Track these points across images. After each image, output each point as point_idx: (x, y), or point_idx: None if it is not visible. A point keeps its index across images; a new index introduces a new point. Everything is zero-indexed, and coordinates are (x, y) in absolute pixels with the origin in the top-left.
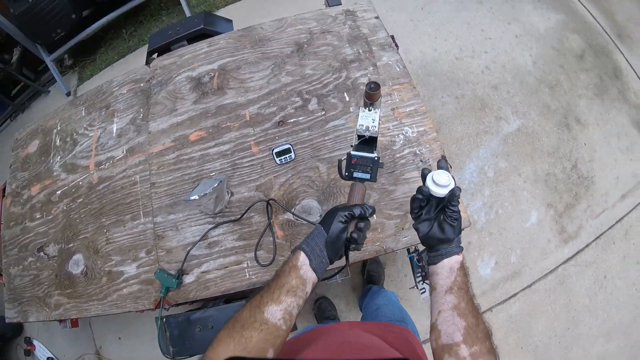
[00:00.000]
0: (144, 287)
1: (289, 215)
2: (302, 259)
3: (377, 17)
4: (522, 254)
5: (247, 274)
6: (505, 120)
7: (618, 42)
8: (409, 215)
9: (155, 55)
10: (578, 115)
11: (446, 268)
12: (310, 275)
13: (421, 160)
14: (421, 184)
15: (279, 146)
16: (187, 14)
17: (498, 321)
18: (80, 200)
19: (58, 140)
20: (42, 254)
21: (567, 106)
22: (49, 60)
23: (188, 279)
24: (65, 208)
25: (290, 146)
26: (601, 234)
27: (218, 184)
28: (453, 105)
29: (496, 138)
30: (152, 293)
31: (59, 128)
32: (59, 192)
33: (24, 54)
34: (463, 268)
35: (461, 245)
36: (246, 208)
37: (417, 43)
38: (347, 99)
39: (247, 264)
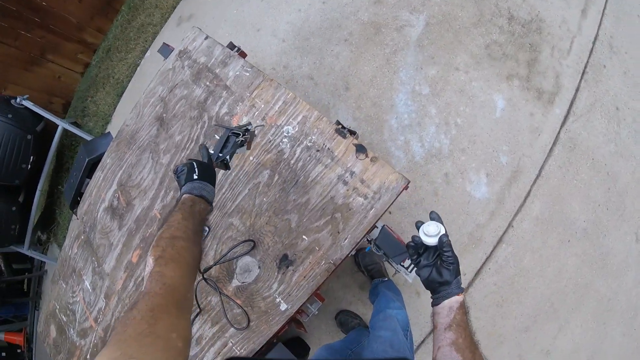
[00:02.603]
0: None
1: (235, 282)
2: (185, 198)
3: (206, 38)
4: (510, 148)
5: (236, 351)
6: (408, 25)
7: None
8: (337, 215)
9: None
10: None
11: (446, 308)
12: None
13: (318, 150)
14: (332, 176)
15: None
16: (87, 137)
17: (526, 232)
18: None
19: (63, 317)
20: None
21: None
22: (25, 250)
23: None
24: None
25: None
26: (585, 67)
27: None
28: (348, 49)
29: (409, 50)
30: None
31: (58, 307)
32: (88, 356)
33: (6, 258)
34: (463, 307)
35: (462, 286)
36: (195, 296)
37: (279, 16)
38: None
39: (232, 342)
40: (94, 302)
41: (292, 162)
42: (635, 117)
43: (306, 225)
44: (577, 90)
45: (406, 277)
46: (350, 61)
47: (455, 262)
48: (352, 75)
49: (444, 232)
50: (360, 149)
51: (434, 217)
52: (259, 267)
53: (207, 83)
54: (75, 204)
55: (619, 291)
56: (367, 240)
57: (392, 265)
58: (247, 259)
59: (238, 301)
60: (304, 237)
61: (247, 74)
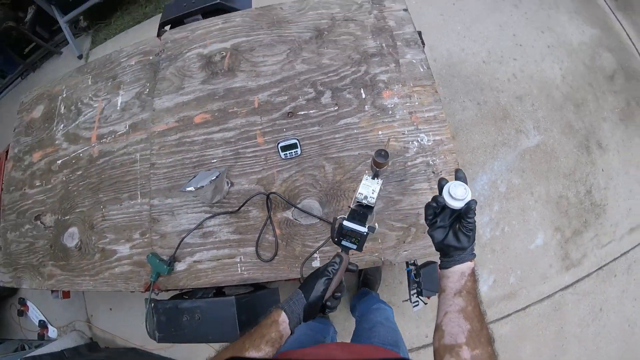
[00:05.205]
0: (136, 269)
1: (287, 214)
2: (284, 317)
3: (405, 10)
4: (521, 275)
5: (239, 269)
6: (525, 134)
7: None
8: (412, 229)
9: (167, 27)
10: (600, 138)
11: (457, 272)
12: (287, 332)
13: (433, 172)
14: (429, 198)
15: (285, 140)
16: None
17: None
18: (80, 172)
19: (63, 108)
20: (39, 222)
21: (590, 128)
22: (62, 21)
23: (180, 266)
24: (64, 179)
25: (297, 141)
26: (604, 265)
27: (216, 177)
28: (474, 111)
29: (513, 152)
30: (143, 276)
31: (64, 95)
32: (59, 161)
33: (39, 13)
34: (474, 274)
35: (474, 252)
36: (245, 200)
37: (444, 40)
38: (364, 95)
39: (241, 259)
40: (113, 120)
41: (409, 164)
42: (606, 323)
43: (384, 218)
44: (588, 275)
45: (413, 308)
46: (470, 121)
47: (474, 229)
48: (463, 132)
49: (471, 197)
50: None
51: (461, 176)
52: (320, 219)
53: (384, 45)
54: (166, 24)
55: None
56: (410, 262)
57: (410, 293)
58: (314, 203)
59: (277, 231)
60: (376, 224)
61: (421, 70)
